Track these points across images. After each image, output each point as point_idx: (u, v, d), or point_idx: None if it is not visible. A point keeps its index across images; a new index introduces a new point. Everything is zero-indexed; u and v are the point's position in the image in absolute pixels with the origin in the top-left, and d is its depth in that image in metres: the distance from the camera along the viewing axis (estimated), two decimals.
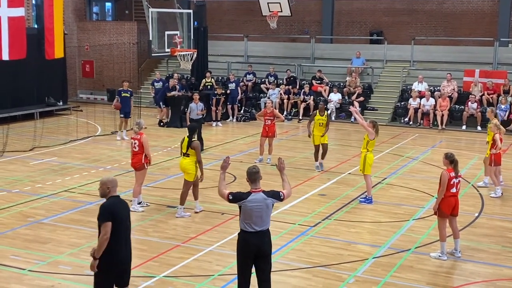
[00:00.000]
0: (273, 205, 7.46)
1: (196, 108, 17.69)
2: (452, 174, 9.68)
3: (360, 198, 13.12)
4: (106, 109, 25.99)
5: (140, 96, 24.97)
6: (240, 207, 7.38)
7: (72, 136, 20.03)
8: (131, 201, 12.36)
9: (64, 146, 18.63)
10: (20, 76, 23.57)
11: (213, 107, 23.19)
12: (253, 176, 7.44)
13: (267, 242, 7.45)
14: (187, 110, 18.12)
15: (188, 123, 16.77)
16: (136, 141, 12.08)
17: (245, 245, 7.38)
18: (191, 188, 11.90)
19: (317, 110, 15.99)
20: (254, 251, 7.36)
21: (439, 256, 9.86)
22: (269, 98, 24.67)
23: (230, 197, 7.42)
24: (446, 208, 9.70)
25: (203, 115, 18.23)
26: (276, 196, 7.49)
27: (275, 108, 24.08)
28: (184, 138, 11.86)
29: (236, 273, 7.59)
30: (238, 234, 7.48)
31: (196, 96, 18.13)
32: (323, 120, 15.55)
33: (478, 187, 14.21)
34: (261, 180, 7.47)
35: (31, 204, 12.53)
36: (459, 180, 9.80)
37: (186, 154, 11.72)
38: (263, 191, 7.43)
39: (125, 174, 14.83)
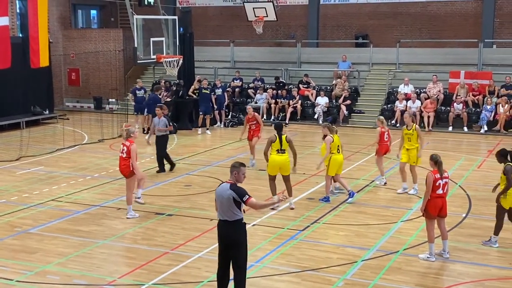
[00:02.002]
0: (233, 198, 7.66)
1: (158, 124, 15.79)
2: (437, 175, 9.73)
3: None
4: (93, 117, 25.91)
5: (126, 104, 24.88)
6: None
7: (58, 144, 19.90)
8: (122, 209, 12.34)
9: (50, 155, 18.51)
10: (5, 86, 23.39)
11: (202, 114, 22.99)
12: (231, 168, 7.89)
13: (234, 233, 7.78)
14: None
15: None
16: (125, 147, 12.06)
17: (218, 233, 7.94)
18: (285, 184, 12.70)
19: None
20: (224, 239, 7.85)
21: (428, 257, 9.90)
22: (256, 103, 24.72)
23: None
24: (433, 209, 9.75)
25: (169, 131, 16.17)
26: (240, 193, 7.69)
27: (263, 113, 24.28)
28: (275, 137, 12.49)
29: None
30: None
31: (158, 110, 15.95)
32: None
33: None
34: (237, 174, 7.82)
35: (18, 214, 12.44)
36: (445, 182, 9.84)
37: (282, 151, 12.49)
38: (231, 184, 7.76)
39: (113, 182, 14.78)
